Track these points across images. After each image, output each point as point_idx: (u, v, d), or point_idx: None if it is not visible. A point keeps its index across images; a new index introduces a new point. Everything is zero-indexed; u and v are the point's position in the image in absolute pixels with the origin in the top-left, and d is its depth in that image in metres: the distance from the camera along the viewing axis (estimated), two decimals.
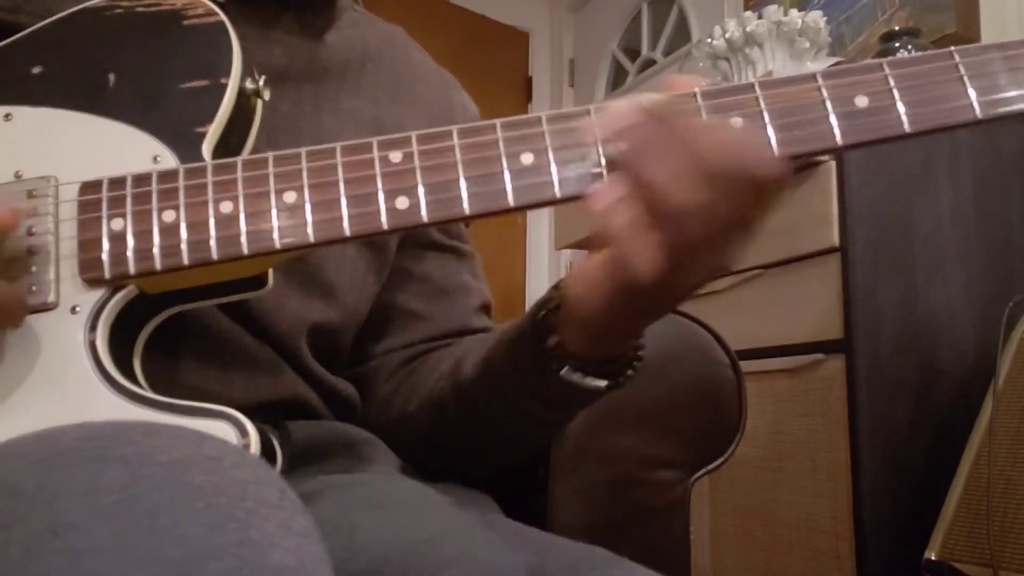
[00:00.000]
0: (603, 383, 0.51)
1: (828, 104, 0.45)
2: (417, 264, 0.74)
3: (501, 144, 0.46)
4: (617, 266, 0.43)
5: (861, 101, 0.45)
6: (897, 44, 1.57)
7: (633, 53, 3.19)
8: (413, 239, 0.73)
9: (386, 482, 0.59)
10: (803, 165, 1.45)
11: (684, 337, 0.74)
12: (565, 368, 0.51)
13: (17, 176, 0.50)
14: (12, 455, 0.34)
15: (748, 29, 1.74)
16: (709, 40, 1.85)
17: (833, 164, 1.42)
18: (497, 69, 3.37)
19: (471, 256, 0.78)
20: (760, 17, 1.75)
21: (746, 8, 2.48)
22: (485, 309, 0.76)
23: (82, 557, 0.28)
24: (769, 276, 1.54)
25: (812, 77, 0.46)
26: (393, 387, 0.71)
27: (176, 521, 0.29)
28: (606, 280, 0.45)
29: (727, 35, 1.78)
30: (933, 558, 1.24)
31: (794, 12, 1.75)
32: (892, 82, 0.45)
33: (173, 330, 0.55)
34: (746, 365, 0.95)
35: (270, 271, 0.52)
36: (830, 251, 1.41)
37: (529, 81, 3.48)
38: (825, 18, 1.74)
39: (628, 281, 0.43)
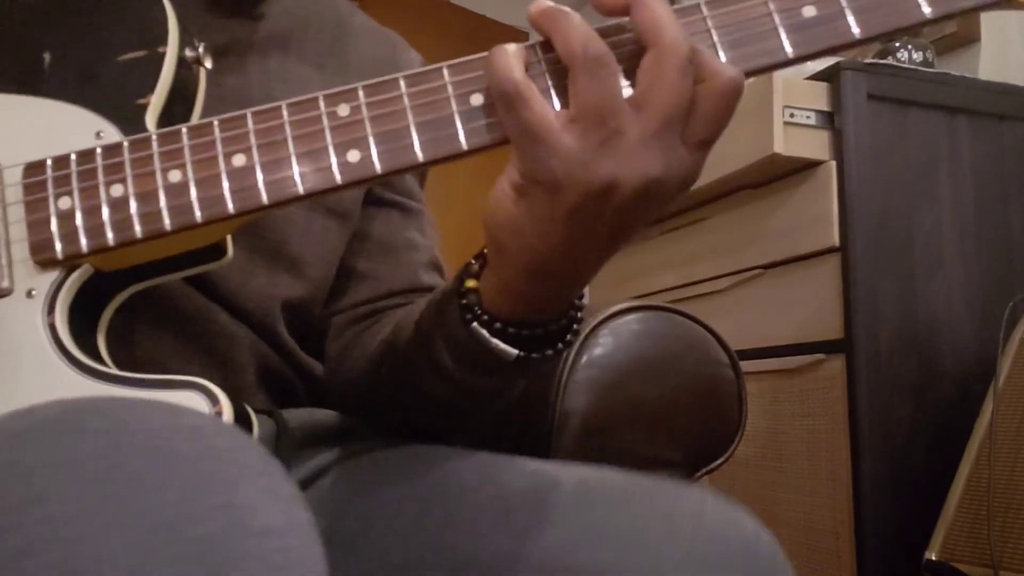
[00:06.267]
0: (513, 351, 0.48)
1: (775, 17, 0.44)
2: (361, 223, 0.71)
3: (450, 87, 0.45)
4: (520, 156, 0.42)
5: (809, 11, 0.44)
6: (897, 44, 1.57)
7: None
8: (366, 198, 0.71)
9: (390, 460, 0.59)
10: (802, 166, 1.45)
11: (684, 337, 0.74)
12: (474, 323, 0.48)
13: None
14: None
15: None
16: None
17: (833, 164, 1.42)
18: None
19: (419, 212, 0.75)
20: None
21: None
22: (435, 266, 0.74)
23: (64, 524, 0.27)
24: (769, 276, 1.54)
25: None
26: (339, 349, 0.69)
27: (159, 485, 0.29)
28: (518, 190, 0.43)
29: None
30: (933, 558, 1.24)
31: None
32: None
33: (148, 314, 0.54)
34: (746, 365, 0.95)
35: (228, 239, 0.51)
36: (830, 251, 1.41)
37: None
38: None
39: (540, 180, 0.41)
